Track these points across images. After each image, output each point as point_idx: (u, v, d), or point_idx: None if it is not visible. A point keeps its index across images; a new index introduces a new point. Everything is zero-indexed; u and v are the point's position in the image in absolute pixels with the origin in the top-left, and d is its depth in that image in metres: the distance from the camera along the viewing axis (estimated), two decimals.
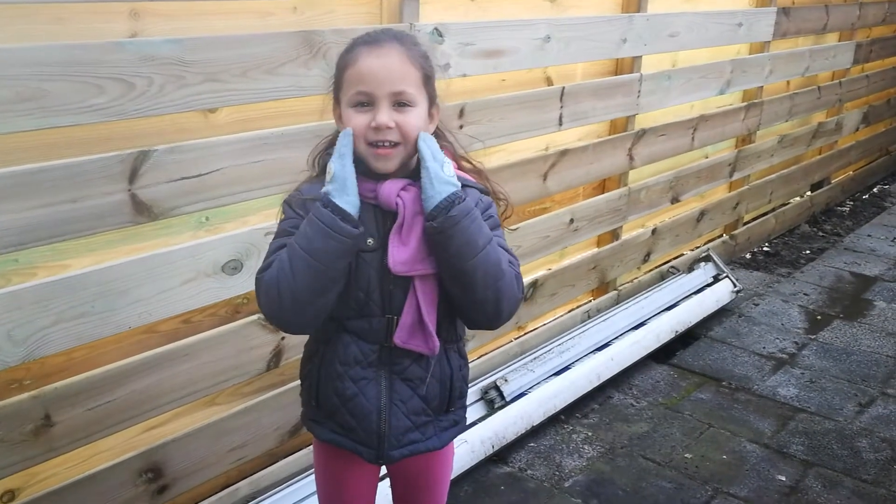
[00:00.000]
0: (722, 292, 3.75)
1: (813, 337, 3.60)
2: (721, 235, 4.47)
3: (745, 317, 3.79)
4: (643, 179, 3.58)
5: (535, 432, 2.73)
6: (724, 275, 3.83)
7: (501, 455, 2.61)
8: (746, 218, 4.65)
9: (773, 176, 4.76)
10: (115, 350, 1.90)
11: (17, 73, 1.52)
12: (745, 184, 4.49)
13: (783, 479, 2.57)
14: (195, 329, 2.03)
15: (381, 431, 1.44)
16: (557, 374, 2.89)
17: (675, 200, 3.84)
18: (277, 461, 2.29)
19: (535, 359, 2.91)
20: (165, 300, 1.87)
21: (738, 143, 4.35)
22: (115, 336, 1.84)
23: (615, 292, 3.60)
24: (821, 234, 5.08)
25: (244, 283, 2.01)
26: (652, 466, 2.61)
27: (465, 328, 1.55)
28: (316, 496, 1.68)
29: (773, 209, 4.94)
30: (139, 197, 1.76)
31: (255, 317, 2.09)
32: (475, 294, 1.36)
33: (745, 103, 4.21)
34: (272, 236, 1.43)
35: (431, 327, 1.39)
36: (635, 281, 3.75)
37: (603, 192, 3.39)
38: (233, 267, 1.98)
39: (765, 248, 4.75)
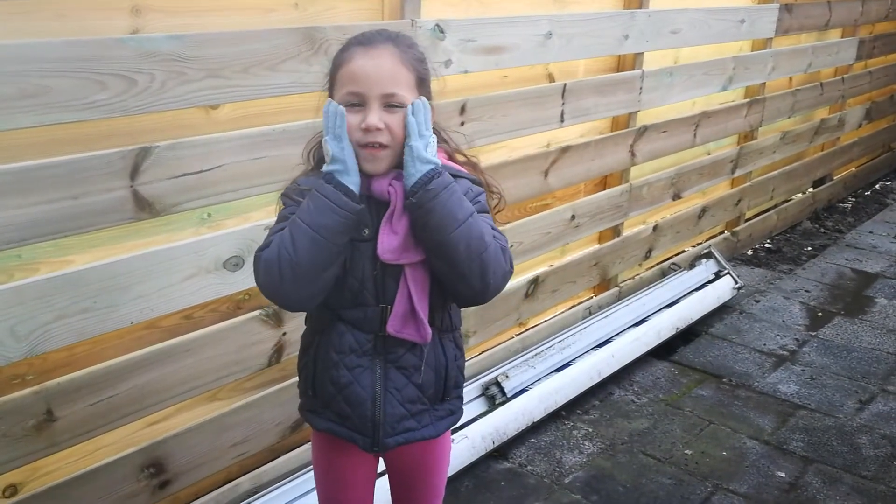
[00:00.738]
0: (723, 289, 3.76)
1: (814, 334, 3.60)
2: (723, 232, 4.47)
3: (746, 313, 3.79)
4: (645, 176, 3.58)
5: (535, 428, 2.74)
6: (726, 271, 3.82)
7: (502, 451, 2.62)
8: (748, 214, 4.65)
9: (774, 172, 4.75)
10: (117, 346, 1.91)
11: (19, 69, 1.52)
12: (747, 180, 4.48)
13: (783, 475, 2.57)
14: (197, 325, 2.03)
15: (375, 419, 1.45)
16: (558, 370, 2.90)
17: (676, 197, 3.84)
18: (279, 456, 2.30)
19: (536, 355, 2.92)
20: (167, 296, 1.88)
21: (740, 140, 4.35)
22: (117, 332, 1.85)
23: (616, 289, 3.61)
24: (822, 230, 5.08)
25: (246, 280, 2.02)
26: (652, 463, 2.62)
27: (461, 319, 1.57)
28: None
29: (775, 206, 4.94)
30: (141, 193, 1.76)
31: (256, 313, 2.10)
32: (459, 267, 1.36)
33: (747, 100, 4.21)
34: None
35: (423, 315, 1.40)
36: (636, 277, 3.76)
37: (604, 189, 3.39)
38: (234, 263, 1.99)
39: (766, 245, 4.75)
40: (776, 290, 4.08)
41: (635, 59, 3.25)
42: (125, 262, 1.79)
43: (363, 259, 1.39)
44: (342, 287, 1.40)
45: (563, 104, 2.91)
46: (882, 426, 2.86)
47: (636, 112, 3.34)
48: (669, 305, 3.47)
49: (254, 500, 2.13)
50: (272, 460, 2.29)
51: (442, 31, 2.33)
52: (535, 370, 2.85)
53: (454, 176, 1.42)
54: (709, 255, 3.89)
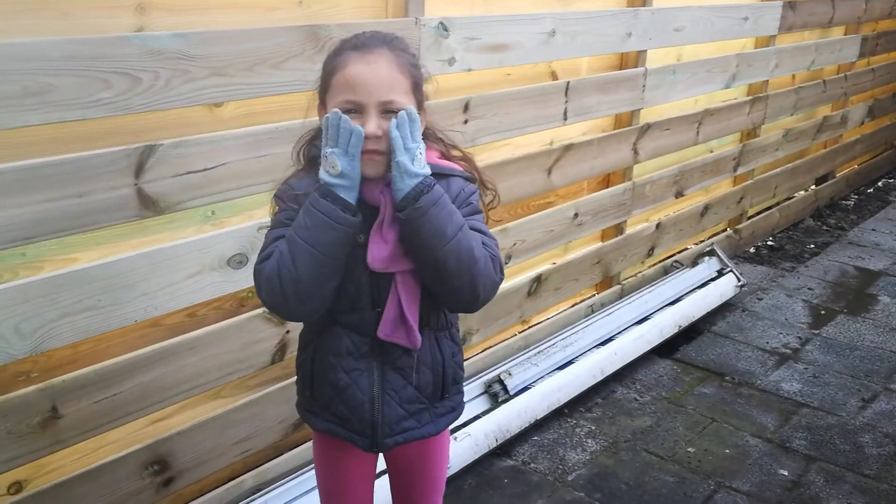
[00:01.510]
0: (726, 287, 3.76)
1: (816, 332, 3.60)
2: (725, 230, 4.46)
3: (749, 311, 3.79)
4: (647, 174, 3.58)
5: (538, 426, 2.74)
6: (728, 269, 3.82)
7: (505, 448, 2.62)
8: (751, 212, 4.65)
9: (777, 170, 4.75)
10: (121, 343, 1.92)
11: (24, 67, 1.52)
12: (750, 178, 4.48)
13: (786, 473, 2.57)
14: (200, 322, 2.04)
15: (374, 420, 1.46)
16: (561, 368, 2.90)
17: (679, 195, 3.84)
18: (282, 454, 2.31)
19: (538, 353, 2.92)
20: (171, 294, 1.88)
21: (742, 138, 4.34)
22: (121, 329, 1.85)
23: (619, 287, 3.61)
24: (825, 228, 5.07)
25: (249, 277, 2.01)
26: (655, 460, 2.62)
27: (458, 315, 1.57)
28: None
29: (778, 203, 4.93)
30: (145, 191, 1.76)
31: (260, 310, 2.10)
32: (450, 281, 1.36)
33: (750, 97, 4.20)
34: (266, 230, 1.44)
35: (412, 322, 1.41)
36: (639, 275, 3.76)
37: (607, 187, 3.39)
38: (238, 261, 1.99)
39: (769, 243, 4.75)
40: (779, 288, 4.08)
41: (638, 57, 3.25)
42: (129, 259, 1.79)
43: (359, 264, 1.39)
44: (339, 292, 1.41)
45: (566, 102, 2.91)
46: (885, 425, 2.86)
47: (639, 110, 3.34)
48: (672, 303, 3.48)
49: (257, 498, 2.13)
50: (276, 457, 2.29)
51: (446, 29, 2.33)
52: (537, 368, 2.85)
53: (446, 175, 1.42)
54: (711, 253, 3.89)
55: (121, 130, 1.75)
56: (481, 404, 2.66)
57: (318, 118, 1.45)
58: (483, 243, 1.40)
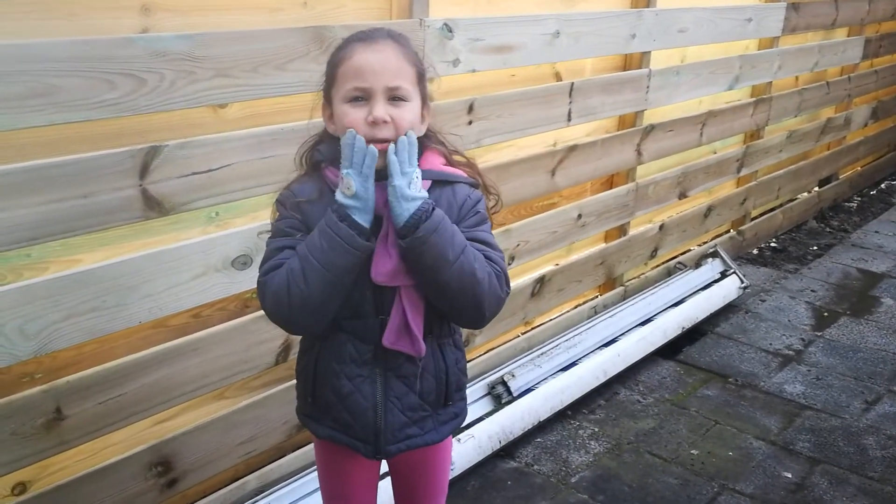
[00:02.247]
0: (729, 288, 3.75)
1: (820, 334, 3.60)
2: (728, 231, 4.46)
3: (752, 313, 3.78)
4: (651, 175, 3.57)
5: (541, 428, 2.74)
6: (732, 271, 3.82)
7: (508, 450, 2.62)
8: (754, 214, 4.64)
9: (780, 172, 4.74)
10: (125, 344, 1.92)
11: (29, 68, 1.52)
12: (753, 179, 4.47)
13: (789, 475, 2.57)
14: (205, 324, 2.03)
15: (377, 427, 1.46)
16: (564, 369, 2.90)
17: (682, 196, 3.84)
18: (286, 455, 2.31)
19: (542, 354, 2.92)
20: (175, 295, 1.88)
21: (746, 139, 4.34)
22: (126, 331, 1.85)
23: (622, 288, 3.60)
24: (828, 230, 5.07)
25: (254, 279, 1.98)
26: (658, 462, 2.62)
27: None
28: None
29: (781, 205, 4.93)
30: (150, 192, 1.76)
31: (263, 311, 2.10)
32: (454, 302, 1.37)
33: (753, 99, 4.20)
34: (266, 235, 1.44)
35: (417, 332, 1.40)
36: (642, 277, 3.75)
37: (611, 188, 3.39)
38: (242, 262, 1.99)
39: (772, 244, 4.75)
40: (782, 290, 4.07)
41: (642, 58, 3.25)
42: (134, 261, 1.79)
43: (364, 272, 1.38)
44: (344, 299, 1.40)
45: (570, 103, 2.91)
46: (888, 427, 2.86)
47: (643, 111, 3.34)
48: (675, 305, 3.47)
49: (261, 499, 2.13)
50: (279, 459, 2.29)
51: (450, 31, 2.32)
52: (541, 369, 2.85)
53: (451, 182, 1.41)
54: (715, 255, 3.88)
55: (126, 131, 1.75)
56: (484, 406, 2.65)
57: (322, 120, 1.44)
58: (489, 258, 1.39)
